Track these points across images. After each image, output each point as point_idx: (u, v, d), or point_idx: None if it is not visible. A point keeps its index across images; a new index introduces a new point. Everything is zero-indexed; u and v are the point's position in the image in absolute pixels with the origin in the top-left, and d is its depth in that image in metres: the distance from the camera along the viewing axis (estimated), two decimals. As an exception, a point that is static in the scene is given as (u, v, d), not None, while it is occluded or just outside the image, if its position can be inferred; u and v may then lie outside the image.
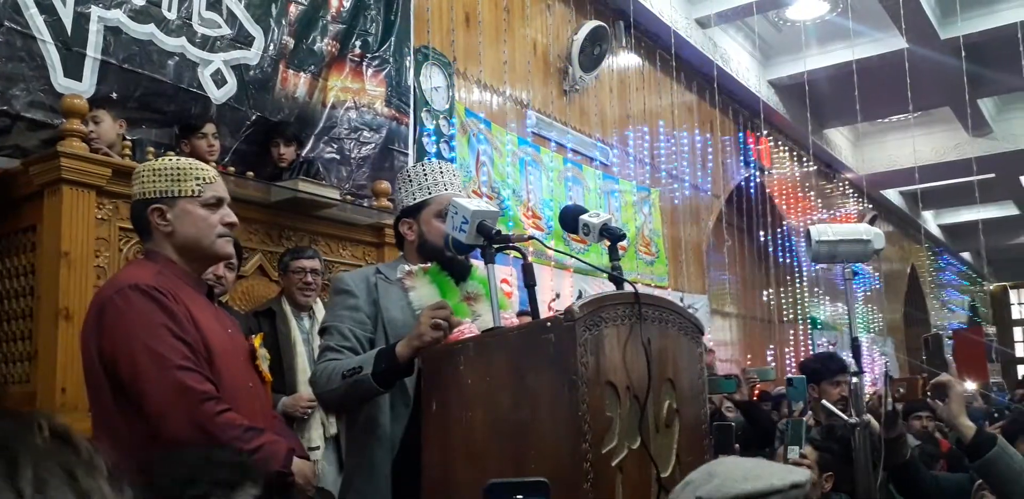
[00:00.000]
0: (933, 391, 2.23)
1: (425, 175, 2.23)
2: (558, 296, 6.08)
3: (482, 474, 1.48)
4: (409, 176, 2.25)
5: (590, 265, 2.85)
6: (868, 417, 2.22)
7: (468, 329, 2.00)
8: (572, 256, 2.99)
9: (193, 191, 1.90)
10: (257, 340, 2.04)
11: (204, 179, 1.92)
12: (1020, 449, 2.28)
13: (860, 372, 2.25)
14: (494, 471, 1.54)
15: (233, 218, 1.96)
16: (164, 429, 1.70)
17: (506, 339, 1.69)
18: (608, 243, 1.98)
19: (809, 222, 10.62)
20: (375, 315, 2.10)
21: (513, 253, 1.95)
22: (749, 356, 10.47)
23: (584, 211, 2.03)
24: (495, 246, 1.88)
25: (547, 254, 5.81)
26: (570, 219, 2.03)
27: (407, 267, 2.17)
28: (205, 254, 1.95)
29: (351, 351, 2.03)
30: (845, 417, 2.26)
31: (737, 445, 3.38)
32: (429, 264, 2.17)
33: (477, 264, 2.21)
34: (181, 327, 1.78)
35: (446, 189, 2.20)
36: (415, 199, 2.21)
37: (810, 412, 3.36)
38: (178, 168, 1.91)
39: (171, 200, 1.89)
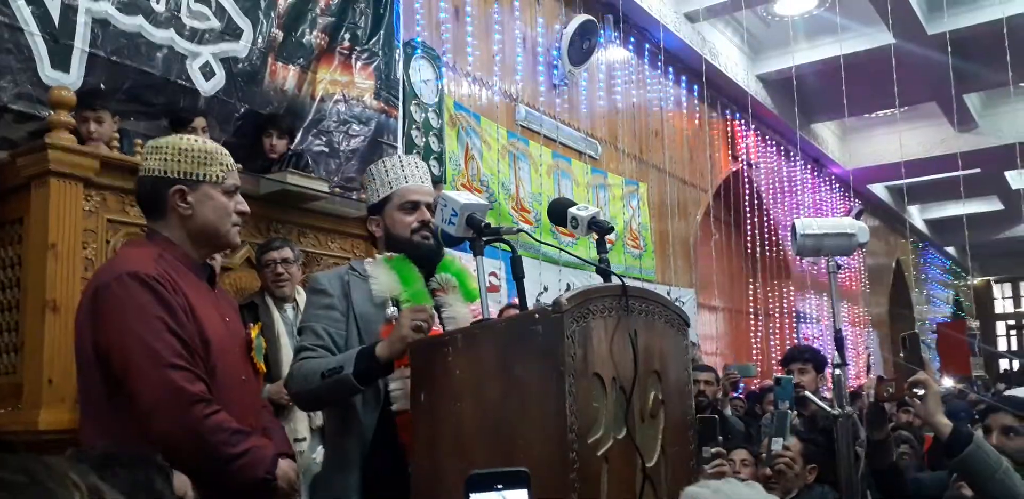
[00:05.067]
0: (910, 389, 2.24)
1: (386, 171, 2.25)
2: (546, 290, 6.09)
3: (470, 464, 1.49)
4: (372, 174, 2.28)
5: (578, 257, 2.87)
6: (850, 409, 2.24)
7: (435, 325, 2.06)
8: (560, 249, 3.00)
9: (217, 177, 1.90)
10: (255, 330, 2.05)
11: (227, 165, 1.92)
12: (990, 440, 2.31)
13: (843, 364, 2.27)
14: (482, 461, 1.56)
15: (246, 207, 1.97)
16: (153, 428, 1.69)
17: (494, 330, 1.70)
18: (596, 236, 1.99)
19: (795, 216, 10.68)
20: (348, 311, 2.13)
21: (502, 246, 1.96)
22: (735, 350, 10.54)
23: (572, 204, 2.04)
24: (484, 239, 1.90)
25: (535, 248, 5.82)
26: (559, 212, 2.04)
27: (372, 259, 2.22)
28: (219, 242, 1.96)
29: (325, 350, 2.07)
30: (828, 408, 2.29)
31: (720, 437, 3.40)
32: (392, 254, 2.20)
33: (457, 256, 2.22)
34: (177, 321, 1.75)
35: (407, 181, 2.22)
36: (379, 196, 2.25)
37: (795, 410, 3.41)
38: (206, 151, 1.89)
39: (194, 183, 1.88)
